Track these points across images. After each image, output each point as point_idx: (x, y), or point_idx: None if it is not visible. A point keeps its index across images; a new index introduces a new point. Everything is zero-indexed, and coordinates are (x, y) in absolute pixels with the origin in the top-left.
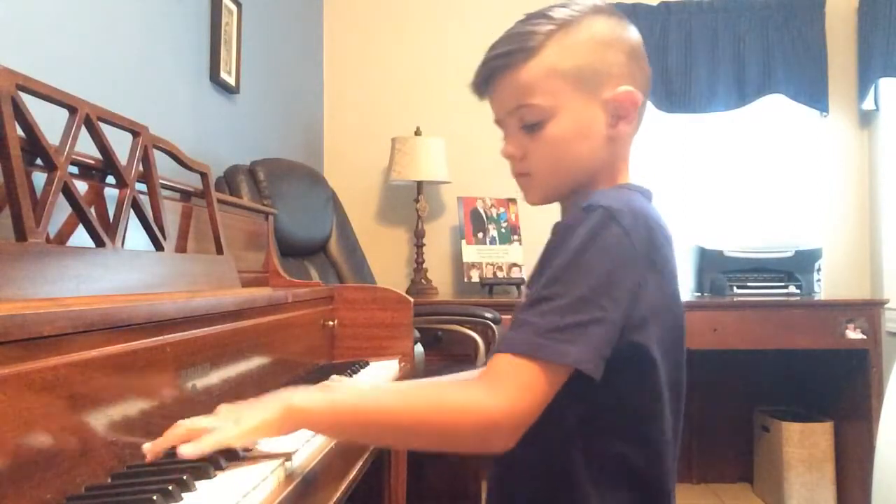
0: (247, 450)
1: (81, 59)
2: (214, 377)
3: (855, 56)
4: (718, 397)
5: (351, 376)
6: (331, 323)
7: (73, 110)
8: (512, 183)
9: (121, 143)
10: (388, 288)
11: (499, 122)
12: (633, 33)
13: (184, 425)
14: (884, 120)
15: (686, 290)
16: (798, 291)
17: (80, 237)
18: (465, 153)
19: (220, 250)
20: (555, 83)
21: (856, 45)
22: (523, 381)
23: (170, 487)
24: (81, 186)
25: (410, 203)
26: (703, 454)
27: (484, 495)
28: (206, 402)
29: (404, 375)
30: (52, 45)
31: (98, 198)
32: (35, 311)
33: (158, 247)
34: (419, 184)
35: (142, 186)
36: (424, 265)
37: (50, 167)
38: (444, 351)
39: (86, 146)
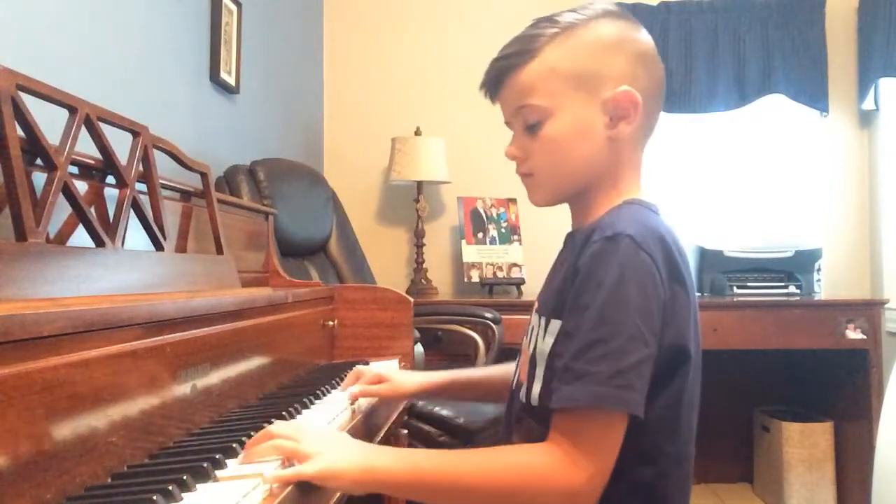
0: None
1: (81, 59)
2: (214, 377)
3: (855, 56)
4: (718, 397)
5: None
6: (331, 323)
7: (73, 110)
8: (512, 183)
9: (121, 143)
10: (388, 288)
11: (508, 123)
12: (642, 37)
13: (276, 441)
14: (884, 120)
15: None
16: (798, 291)
17: (80, 237)
18: (465, 153)
19: (220, 250)
20: (554, 83)
21: (856, 45)
22: (598, 438)
23: (170, 487)
24: (81, 186)
25: (410, 203)
26: (703, 454)
27: None
28: (206, 402)
29: None
30: (52, 45)
31: (98, 198)
32: (35, 311)
33: (158, 247)
34: (419, 184)
35: (142, 186)
36: (424, 265)
37: (50, 167)
38: (444, 351)
39: (86, 146)
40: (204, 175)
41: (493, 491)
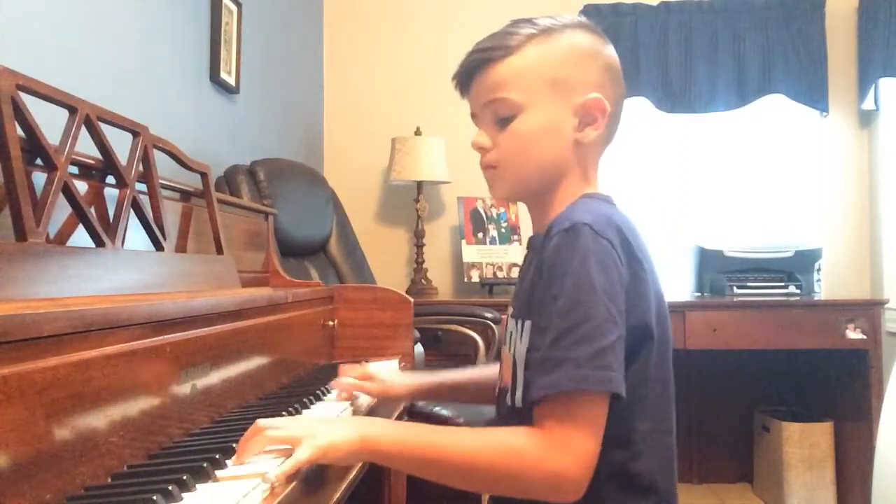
0: None
1: (81, 59)
2: (214, 377)
3: (855, 56)
4: (718, 397)
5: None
6: (331, 323)
7: (73, 110)
8: None
9: (121, 143)
10: (389, 288)
11: (474, 115)
12: (611, 52)
13: (265, 433)
14: (884, 120)
15: (686, 290)
16: (798, 291)
17: (80, 237)
18: (465, 153)
19: (220, 250)
20: (529, 81)
21: (856, 45)
22: (583, 420)
23: (170, 487)
24: (81, 186)
25: (410, 203)
26: (703, 454)
27: (484, 497)
28: (205, 402)
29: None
30: (52, 45)
31: (98, 198)
32: (35, 311)
33: (158, 247)
34: (419, 184)
35: (142, 186)
36: (424, 265)
37: (50, 167)
38: (444, 351)
39: (86, 146)
40: (204, 175)
41: (481, 469)
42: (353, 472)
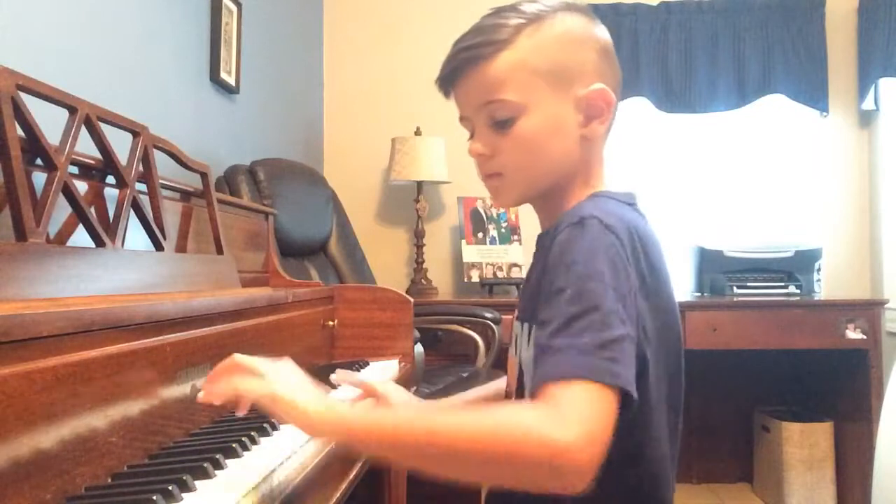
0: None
1: (81, 59)
2: None
3: (855, 56)
4: (718, 397)
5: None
6: (331, 323)
7: (73, 110)
8: None
9: (121, 143)
10: (388, 288)
11: (464, 119)
12: (603, 33)
13: (236, 378)
14: (884, 120)
15: (686, 290)
16: (798, 291)
17: (80, 237)
18: (465, 153)
19: (220, 250)
20: (526, 78)
21: (856, 45)
22: (590, 405)
23: (170, 487)
24: (81, 186)
25: (410, 203)
26: (703, 454)
27: (483, 497)
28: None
29: (404, 375)
30: (52, 45)
31: (98, 198)
32: (35, 311)
33: (158, 247)
34: (419, 184)
35: (142, 186)
36: (424, 265)
37: (50, 167)
38: (444, 351)
39: (86, 146)
40: (204, 175)
41: (466, 443)
42: (353, 472)
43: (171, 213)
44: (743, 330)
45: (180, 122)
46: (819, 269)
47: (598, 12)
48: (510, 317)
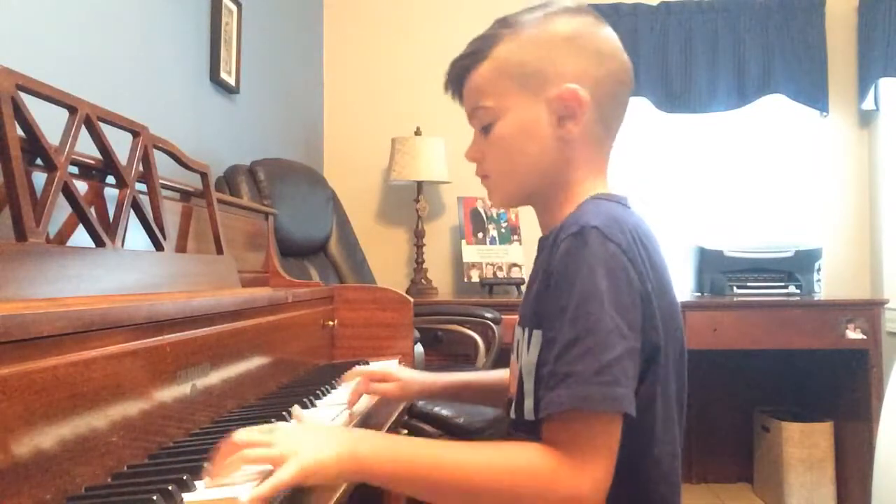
0: None
1: (81, 59)
2: (214, 377)
3: (855, 56)
4: (718, 397)
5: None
6: (331, 323)
7: (73, 110)
8: None
9: (121, 143)
10: (388, 288)
11: (470, 124)
12: (599, 32)
13: (242, 452)
14: (884, 120)
15: (686, 290)
16: (798, 291)
17: (80, 237)
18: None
19: (220, 250)
20: (501, 83)
21: (856, 45)
22: (594, 439)
23: (170, 487)
24: (81, 186)
25: (410, 203)
26: (703, 454)
27: None
28: (205, 402)
29: None
30: (52, 45)
31: (98, 198)
32: (35, 311)
33: (158, 247)
34: (419, 184)
35: (142, 186)
36: (424, 265)
37: (50, 167)
38: (444, 351)
39: (86, 146)
40: (204, 175)
41: (486, 490)
42: None
43: (171, 213)
44: (743, 330)
45: (180, 122)
46: (819, 269)
47: (597, 12)
48: (510, 317)
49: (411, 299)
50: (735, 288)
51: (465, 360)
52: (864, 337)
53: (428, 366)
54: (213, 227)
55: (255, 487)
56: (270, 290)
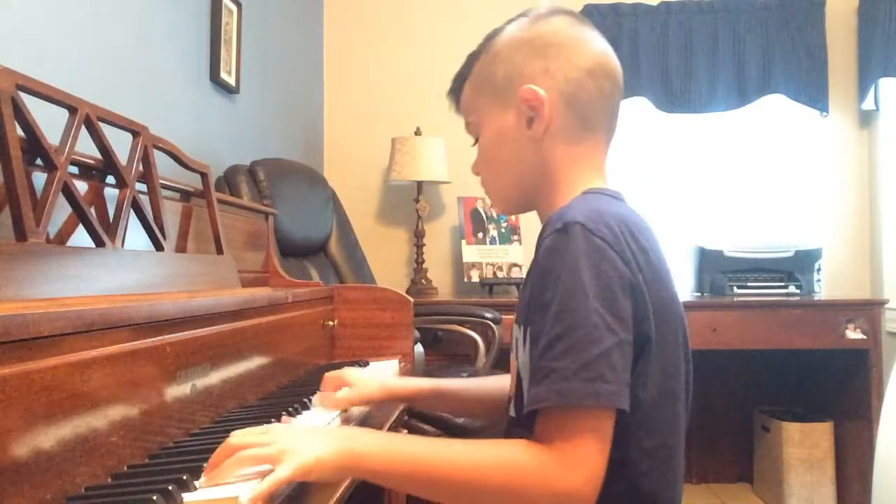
0: None
1: (81, 59)
2: (214, 377)
3: (855, 56)
4: (718, 397)
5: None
6: (331, 323)
7: (73, 110)
8: None
9: (121, 143)
10: (389, 288)
11: None
12: (555, 25)
13: (239, 453)
14: (884, 120)
15: (686, 290)
16: (798, 291)
17: (80, 237)
18: (465, 153)
19: (220, 250)
20: (478, 99)
21: (856, 45)
22: (590, 436)
23: (170, 487)
24: (81, 186)
25: (410, 203)
26: (703, 454)
27: None
28: (205, 402)
29: (404, 375)
30: (52, 45)
31: (98, 198)
32: (35, 311)
33: (158, 247)
34: (419, 184)
35: (142, 186)
36: (424, 265)
37: (50, 167)
38: (444, 351)
39: (86, 146)
40: (204, 175)
41: (481, 488)
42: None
43: (171, 213)
44: (743, 330)
45: (180, 122)
46: (819, 269)
47: (598, 12)
48: (510, 317)
49: (411, 299)
50: (735, 288)
51: (465, 360)
52: (864, 337)
53: (428, 366)
54: (213, 227)
55: (255, 486)
56: (270, 290)
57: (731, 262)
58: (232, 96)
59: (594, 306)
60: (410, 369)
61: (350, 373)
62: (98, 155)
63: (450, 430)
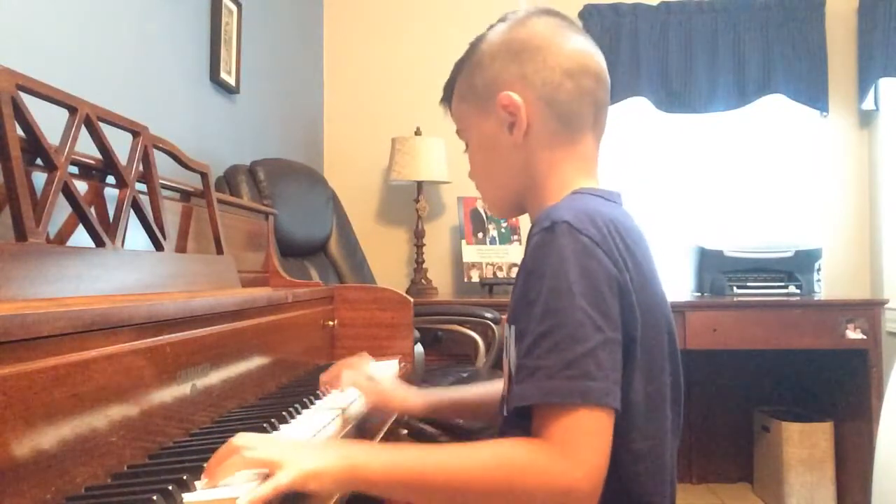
0: None
1: (81, 59)
2: (214, 377)
3: (855, 56)
4: (718, 397)
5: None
6: (331, 323)
7: (73, 110)
8: None
9: (121, 143)
10: (389, 288)
11: None
12: (529, 29)
13: (242, 454)
14: (884, 120)
15: (686, 290)
16: (798, 291)
17: (80, 237)
18: (464, 154)
19: (220, 250)
20: (462, 107)
21: (856, 45)
22: (578, 433)
23: (170, 487)
24: (81, 186)
25: (410, 203)
26: (703, 454)
27: None
28: (205, 402)
29: (404, 375)
30: (52, 45)
31: (98, 198)
32: (35, 311)
33: (158, 247)
34: (419, 184)
35: (142, 186)
36: (424, 265)
37: (50, 167)
38: (444, 351)
39: (86, 146)
40: (204, 175)
41: (484, 491)
42: None
43: (171, 213)
44: (743, 330)
45: (180, 122)
46: (819, 269)
47: (598, 12)
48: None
49: (411, 299)
50: (735, 288)
51: (465, 360)
52: (864, 337)
53: (428, 366)
54: (213, 227)
55: (254, 488)
56: (270, 290)
57: (731, 262)
58: (232, 96)
59: (580, 304)
60: (410, 369)
61: (370, 366)
62: (98, 155)
63: (450, 429)
